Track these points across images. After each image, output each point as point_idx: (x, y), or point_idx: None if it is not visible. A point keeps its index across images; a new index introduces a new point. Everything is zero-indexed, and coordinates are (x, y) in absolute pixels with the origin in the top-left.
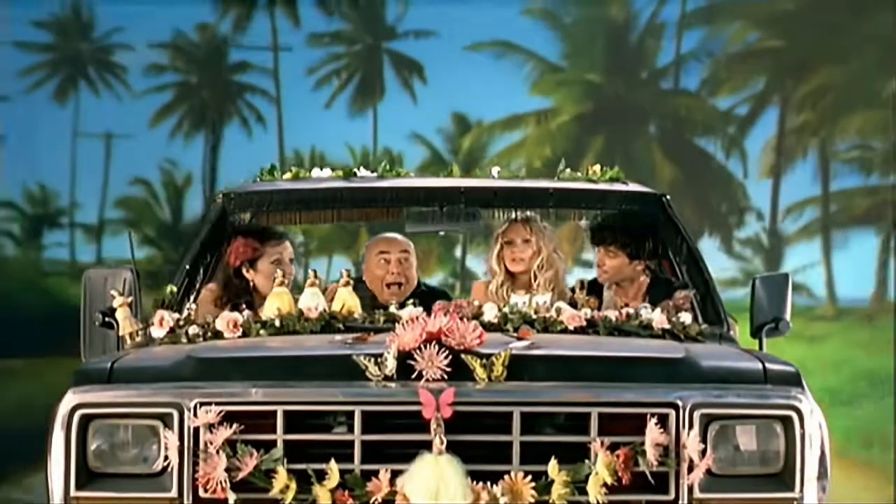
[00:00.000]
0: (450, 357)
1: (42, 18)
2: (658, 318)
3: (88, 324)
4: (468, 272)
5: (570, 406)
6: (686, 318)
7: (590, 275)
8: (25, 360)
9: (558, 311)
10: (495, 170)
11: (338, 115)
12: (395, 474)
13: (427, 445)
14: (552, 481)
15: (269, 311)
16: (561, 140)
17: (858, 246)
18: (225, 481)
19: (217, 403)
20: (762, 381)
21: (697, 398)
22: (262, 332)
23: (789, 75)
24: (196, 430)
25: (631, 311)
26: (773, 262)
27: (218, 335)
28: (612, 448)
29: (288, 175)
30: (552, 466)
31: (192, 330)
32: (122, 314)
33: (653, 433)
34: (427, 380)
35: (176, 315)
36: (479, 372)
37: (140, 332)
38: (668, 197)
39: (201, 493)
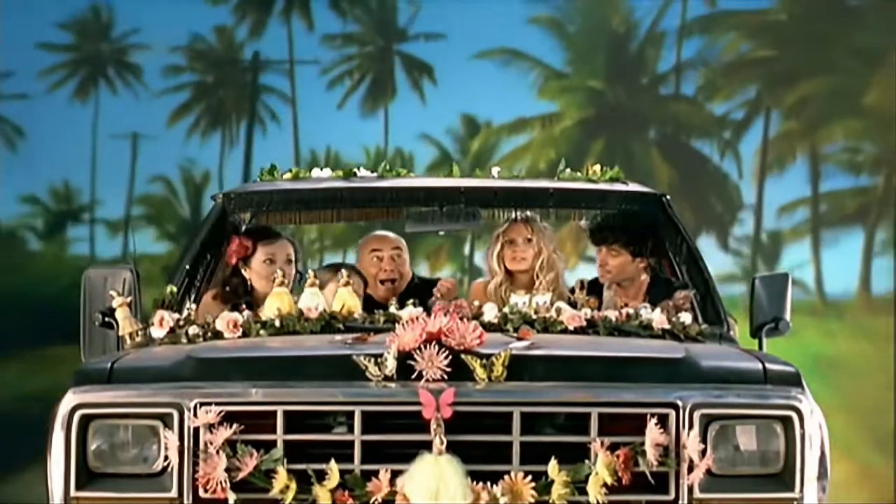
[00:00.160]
0: (450, 357)
1: (62, 20)
2: (658, 318)
3: (88, 324)
4: (476, 269)
5: (570, 406)
6: (686, 318)
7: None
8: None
9: (558, 311)
10: (495, 170)
11: (350, 115)
12: (395, 474)
13: (427, 445)
14: (552, 481)
15: (269, 311)
16: (564, 143)
17: (848, 244)
18: (225, 481)
19: (217, 403)
20: (762, 381)
21: (697, 398)
22: (262, 332)
23: (779, 83)
24: (196, 430)
25: (631, 311)
26: (767, 259)
27: (218, 335)
28: (612, 448)
29: (288, 175)
30: (552, 466)
31: (192, 330)
32: (121, 314)
33: (653, 433)
34: (427, 380)
35: (176, 315)
36: (479, 372)
37: (140, 332)
38: (668, 197)
39: (201, 494)
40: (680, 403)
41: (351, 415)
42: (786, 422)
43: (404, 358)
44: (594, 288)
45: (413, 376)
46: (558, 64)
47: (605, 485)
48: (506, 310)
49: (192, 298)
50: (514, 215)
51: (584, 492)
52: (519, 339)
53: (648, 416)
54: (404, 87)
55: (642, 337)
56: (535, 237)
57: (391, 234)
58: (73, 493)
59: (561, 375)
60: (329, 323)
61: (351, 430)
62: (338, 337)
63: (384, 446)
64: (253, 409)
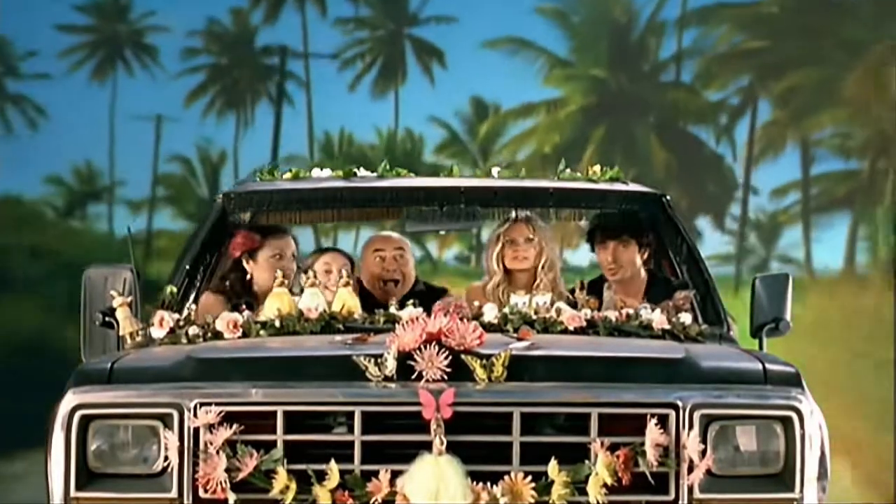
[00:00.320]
0: (450, 357)
1: (81, 2)
2: (658, 318)
3: (88, 323)
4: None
5: (570, 406)
6: (686, 318)
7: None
8: None
9: (558, 311)
10: (495, 170)
11: (361, 97)
12: (395, 475)
13: (427, 446)
14: (552, 482)
15: (269, 311)
16: (568, 128)
17: (839, 225)
18: (225, 482)
19: (217, 404)
20: (762, 381)
21: (697, 398)
22: (262, 332)
23: (770, 73)
24: (196, 430)
25: (631, 311)
26: (765, 240)
27: (218, 335)
28: (612, 448)
29: (288, 175)
30: (552, 467)
31: (192, 330)
32: (122, 314)
33: (653, 433)
34: (427, 380)
35: (176, 315)
36: (479, 372)
37: (140, 332)
38: (669, 197)
39: (201, 494)
40: (680, 404)
41: (351, 415)
42: (786, 422)
43: (404, 358)
44: (594, 288)
45: (413, 376)
46: (563, 52)
47: (605, 485)
48: (506, 310)
49: (193, 298)
50: (513, 215)
51: (584, 492)
52: (519, 339)
53: (648, 417)
54: (414, 70)
55: (642, 337)
56: (537, 236)
57: (395, 235)
58: (73, 493)
59: (561, 376)
60: (329, 323)
61: (351, 430)
62: (338, 337)
63: (384, 446)
64: (253, 409)
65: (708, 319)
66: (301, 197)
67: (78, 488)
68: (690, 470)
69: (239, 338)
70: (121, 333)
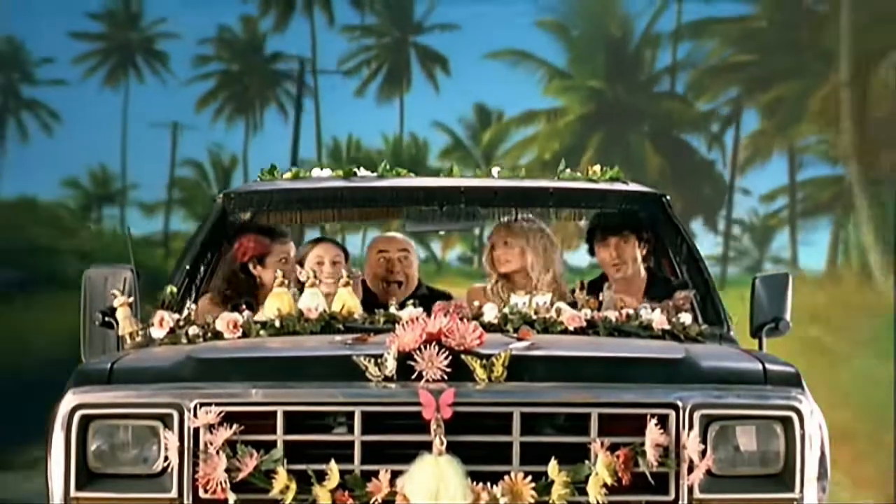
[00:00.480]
0: (450, 358)
1: (94, 10)
2: (658, 318)
3: (88, 324)
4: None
5: (570, 406)
6: (686, 318)
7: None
8: None
9: (558, 311)
10: (495, 170)
11: (367, 103)
12: (395, 475)
13: (427, 446)
14: (552, 482)
15: (269, 311)
16: (567, 136)
17: (823, 228)
18: (225, 482)
19: (217, 404)
20: (762, 381)
21: (697, 399)
22: (262, 332)
23: (757, 85)
24: (196, 430)
25: (631, 311)
26: (758, 242)
27: (218, 336)
28: (612, 448)
29: (288, 175)
30: (552, 467)
31: (193, 330)
32: (122, 314)
33: (653, 434)
34: (427, 380)
35: (176, 315)
36: (479, 372)
37: (140, 333)
38: (668, 197)
39: (201, 494)
40: (680, 404)
41: (351, 415)
42: (786, 422)
43: (404, 358)
44: (594, 288)
45: (413, 377)
46: (562, 64)
47: (605, 485)
48: (506, 310)
49: (193, 298)
50: (500, 220)
51: (584, 492)
52: (519, 339)
53: (648, 417)
54: (419, 77)
55: (642, 337)
56: (516, 240)
57: (399, 236)
58: (73, 493)
59: (561, 376)
60: (329, 323)
61: (351, 430)
62: (338, 337)
63: (384, 447)
64: (253, 409)
65: (708, 319)
66: (301, 197)
67: (78, 488)
68: (690, 470)
69: (239, 338)
70: (120, 333)
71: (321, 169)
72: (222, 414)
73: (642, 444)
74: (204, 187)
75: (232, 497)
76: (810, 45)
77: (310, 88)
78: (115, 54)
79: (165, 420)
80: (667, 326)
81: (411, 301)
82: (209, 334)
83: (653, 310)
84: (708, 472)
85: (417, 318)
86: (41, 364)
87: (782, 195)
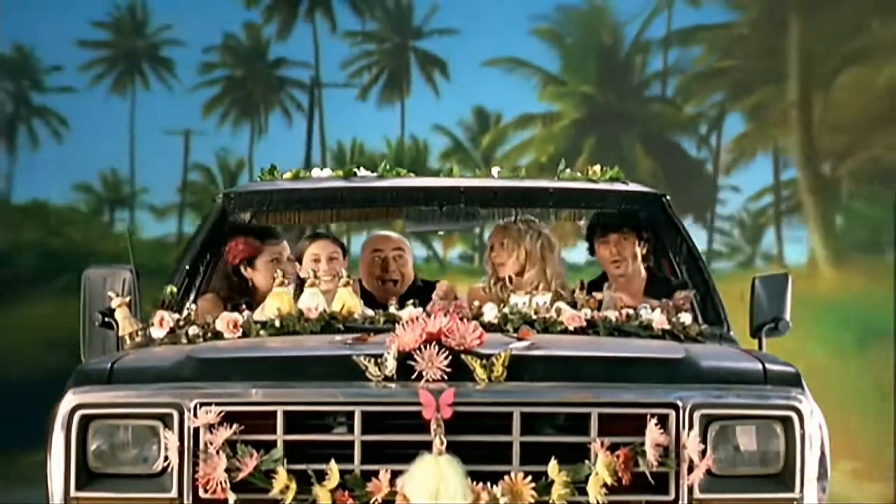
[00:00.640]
0: (450, 357)
1: (101, 19)
2: (658, 318)
3: (88, 324)
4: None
5: (570, 406)
6: (686, 318)
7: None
8: None
9: (558, 311)
10: (495, 170)
11: (369, 107)
12: (395, 475)
13: (427, 446)
14: (552, 482)
15: (269, 311)
16: (562, 140)
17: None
18: (225, 482)
19: (217, 404)
20: (762, 381)
21: (697, 398)
22: (262, 332)
23: (741, 89)
24: (196, 430)
25: (631, 311)
26: (750, 239)
27: (218, 335)
28: (612, 448)
29: (288, 175)
30: (552, 467)
31: (192, 330)
32: (121, 314)
33: (653, 433)
34: (427, 380)
35: (176, 315)
36: (479, 372)
37: (140, 333)
38: (668, 197)
39: (201, 494)
40: (680, 404)
41: (351, 415)
42: (786, 422)
43: (404, 358)
44: (594, 289)
45: (413, 376)
46: (556, 71)
47: (605, 485)
48: (506, 310)
49: (192, 298)
50: (505, 218)
51: (584, 492)
52: (519, 339)
53: (648, 417)
54: (419, 81)
55: (642, 337)
56: (510, 241)
57: (393, 235)
58: (73, 493)
59: (561, 376)
60: (329, 323)
61: (351, 430)
62: (338, 337)
63: (384, 446)
64: (253, 409)
65: (708, 319)
66: (301, 197)
67: (78, 488)
68: (690, 470)
69: (239, 338)
70: (120, 334)
71: (321, 169)
72: (222, 414)
73: (642, 444)
74: (212, 191)
75: (232, 497)
76: (789, 49)
77: (313, 94)
78: (121, 61)
79: (165, 420)
80: (667, 326)
81: (411, 301)
82: (209, 334)
83: (653, 309)
84: (708, 471)
85: (417, 318)
86: (55, 366)
87: (769, 193)
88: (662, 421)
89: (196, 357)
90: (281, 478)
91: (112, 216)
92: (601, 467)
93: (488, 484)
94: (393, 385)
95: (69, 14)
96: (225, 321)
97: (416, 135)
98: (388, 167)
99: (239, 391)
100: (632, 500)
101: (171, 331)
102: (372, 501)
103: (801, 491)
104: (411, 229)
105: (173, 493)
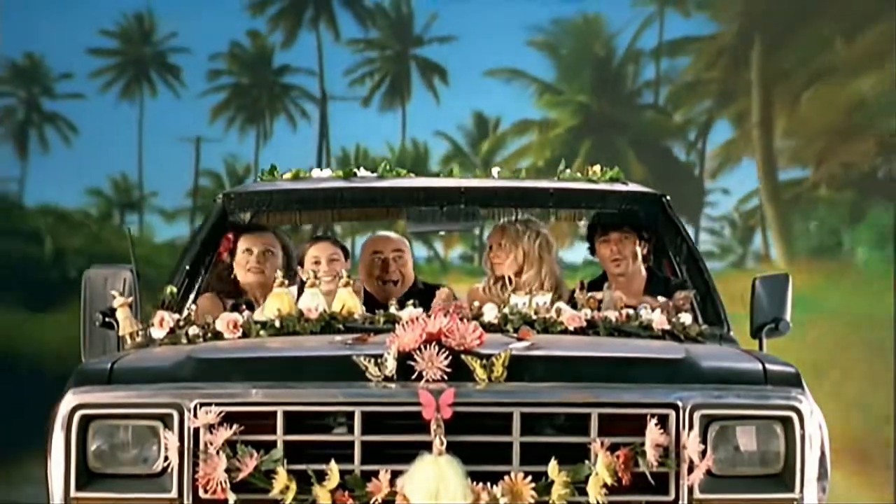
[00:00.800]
0: (450, 358)
1: (109, 27)
2: (658, 318)
3: (88, 324)
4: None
5: (570, 406)
6: (686, 318)
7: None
8: None
9: (558, 311)
10: (495, 170)
11: (371, 112)
12: (396, 475)
13: (427, 446)
14: (552, 482)
15: (269, 311)
16: (558, 146)
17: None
18: (225, 482)
19: (217, 404)
20: (762, 381)
21: (697, 399)
22: (262, 332)
23: (727, 98)
24: (196, 430)
25: (631, 311)
26: (741, 240)
27: (218, 336)
28: (612, 449)
29: (288, 175)
30: (552, 467)
31: (192, 330)
32: (122, 314)
33: (653, 434)
34: (427, 380)
35: (176, 315)
36: (479, 372)
37: (140, 333)
38: (668, 197)
39: (201, 494)
40: (680, 404)
41: (351, 415)
42: (786, 422)
43: (404, 358)
44: (594, 289)
45: (413, 377)
46: (552, 80)
47: (605, 485)
48: (506, 310)
49: (193, 298)
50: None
51: (584, 492)
52: (519, 339)
53: (648, 417)
54: (419, 87)
55: (642, 337)
56: (508, 242)
57: (393, 235)
58: (73, 493)
59: (561, 376)
60: (329, 323)
61: (351, 430)
62: (338, 337)
63: (384, 447)
64: (253, 409)
65: (708, 319)
66: (301, 197)
67: (78, 488)
68: (690, 470)
69: (239, 338)
70: (121, 334)
71: (321, 169)
72: (222, 414)
73: (642, 444)
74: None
75: (232, 497)
76: (769, 59)
77: (317, 101)
78: (129, 69)
79: (165, 420)
80: (667, 326)
81: (411, 301)
82: (209, 334)
83: (653, 309)
84: (708, 472)
85: (417, 318)
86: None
87: (756, 196)
88: (662, 421)
89: (196, 357)
90: (281, 478)
91: (122, 219)
92: (601, 467)
93: (488, 484)
94: (393, 385)
95: (78, 23)
96: (225, 321)
97: (417, 139)
98: (388, 167)
99: (239, 391)
100: (632, 501)
101: (172, 331)
102: (372, 502)
103: (801, 491)
104: (412, 229)
105: (173, 494)
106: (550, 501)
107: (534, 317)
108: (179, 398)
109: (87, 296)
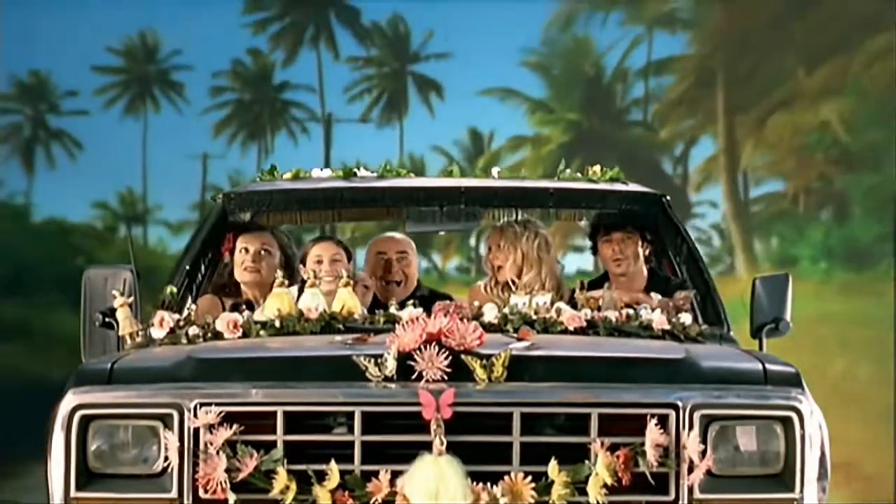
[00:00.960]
0: (450, 358)
1: (114, 45)
2: (658, 318)
3: (88, 324)
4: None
5: (570, 406)
6: (686, 318)
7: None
8: None
9: (558, 311)
10: (495, 170)
11: (369, 128)
12: (396, 475)
13: (427, 446)
14: (552, 482)
15: (269, 311)
16: (550, 162)
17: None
18: (225, 482)
19: (217, 404)
20: (762, 381)
21: (697, 399)
22: (262, 332)
23: (710, 115)
24: (196, 430)
25: (631, 311)
26: (730, 248)
27: (218, 336)
28: (613, 449)
29: (288, 175)
30: (552, 467)
31: (193, 330)
32: (122, 314)
33: (653, 434)
34: (427, 380)
35: (176, 315)
36: (480, 372)
37: (140, 333)
38: (668, 197)
39: (201, 494)
40: (680, 404)
41: (351, 415)
42: (786, 422)
43: (404, 358)
44: (594, 289)
45: (413, 377)
46: (544, 98)
47: (605, 485)
48: (506, 310)
49: (193, 298)
50: (504, 219)
51: (584, 492)
52: (519, 339)
53: (648, 417)
54: (416, 103)
55: (642, 337)
56: (506, 242)
57: (398, 236)
58: (73, 493)
59: (561, 376)
60: (329, 323)
61: (351, 430)
62: (338, 337)
63: (384, 447)
64: (253, 409)
65: (708, 319)
66: (301, 197)
67: (78, 488)
68: (690, 470)
69: (239, 338)
70: (121, 334)
71: (321, 169)
72: (222, 414)
73: (642, 445)
74: None
75: (232, 497)
76: (753, 77)
77: (318, 117)
78: (134, 86)
79: (165, 420)
80: (667, 326)
81: (411, 301)
82: (209, 334)
83: (653, 309)
84: (708, 472)
85: (417, 318)
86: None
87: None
88: (662, 421)
89: (196, 357)
90: (281, 478)
91: (128, 232)
92: (601, 467)
93: (488, 484)
94: (393, 385)
95: (83, 41)
96: (225, 321)
97: (415, 154)
98: (388, 168)
99: (239, 391)
100: (632, 501)
101: (172, 331)
102: (372, 502)
103: (801, 491)
104: (412, 229)
105: (173, 494)
106: (550, 501)
107: (534, 317)
108: (179, 398)
109: (87, 296)
